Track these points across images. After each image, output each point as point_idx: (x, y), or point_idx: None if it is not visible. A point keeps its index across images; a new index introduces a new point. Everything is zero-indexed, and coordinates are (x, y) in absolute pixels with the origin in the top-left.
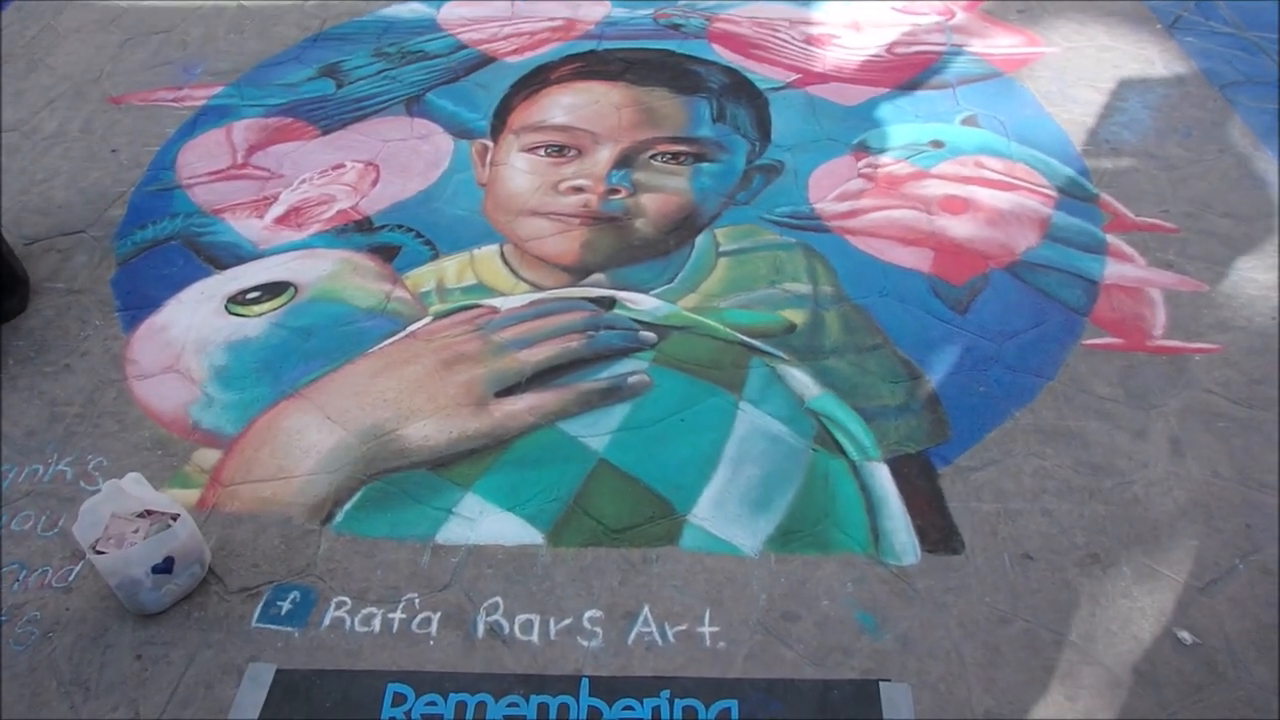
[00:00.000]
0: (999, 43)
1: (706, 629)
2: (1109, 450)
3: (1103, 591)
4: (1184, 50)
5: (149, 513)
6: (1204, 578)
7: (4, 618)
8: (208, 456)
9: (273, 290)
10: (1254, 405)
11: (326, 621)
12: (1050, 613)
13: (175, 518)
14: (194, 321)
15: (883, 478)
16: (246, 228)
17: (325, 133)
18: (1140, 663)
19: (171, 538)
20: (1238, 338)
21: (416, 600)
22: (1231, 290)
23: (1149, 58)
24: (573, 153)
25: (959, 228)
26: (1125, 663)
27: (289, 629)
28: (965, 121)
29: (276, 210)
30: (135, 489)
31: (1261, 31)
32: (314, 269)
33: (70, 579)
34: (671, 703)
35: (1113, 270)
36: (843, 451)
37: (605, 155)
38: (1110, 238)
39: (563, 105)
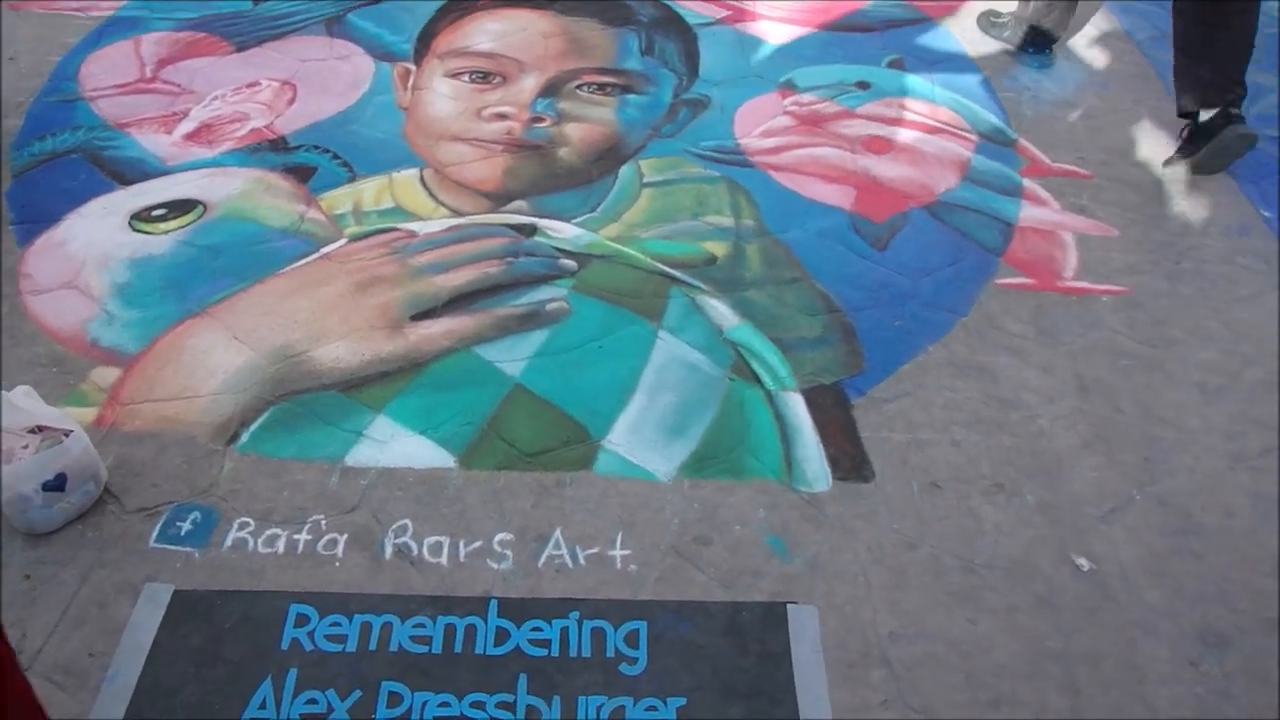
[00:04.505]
0: None
1: (618, 552)
2: (1017, 385)
3: (1006, 520)
4: (1108, 8)
5: (40, 429)
6: (1103, 507)
7: None
8: (107, 374)
9: (180, 208)
10: (1156, 345)
11: (228, 542)
12: (955, 539)
13: (68, 433)
14: (95, 237)
15: (797, 407)
16: (154, 143)
17: (240, 49)
18: (1039, 587)
19: (63, 453)
20: (1143, 281)
21: (323, 522)
22: (1140, 236)
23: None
24: (498, 80)
25: (882, 167)
26: (1025, 588)
27: (189, 549)
28: (892, 64)
29: (186, 126)
30: (26, 402)
31: None
32: (224, 187)
33: None
34: (580, 624)
35: (1028, 213)
36: (759, 381)
37: (531, 84)
38: (1027, 182)
39: (489, 32)
